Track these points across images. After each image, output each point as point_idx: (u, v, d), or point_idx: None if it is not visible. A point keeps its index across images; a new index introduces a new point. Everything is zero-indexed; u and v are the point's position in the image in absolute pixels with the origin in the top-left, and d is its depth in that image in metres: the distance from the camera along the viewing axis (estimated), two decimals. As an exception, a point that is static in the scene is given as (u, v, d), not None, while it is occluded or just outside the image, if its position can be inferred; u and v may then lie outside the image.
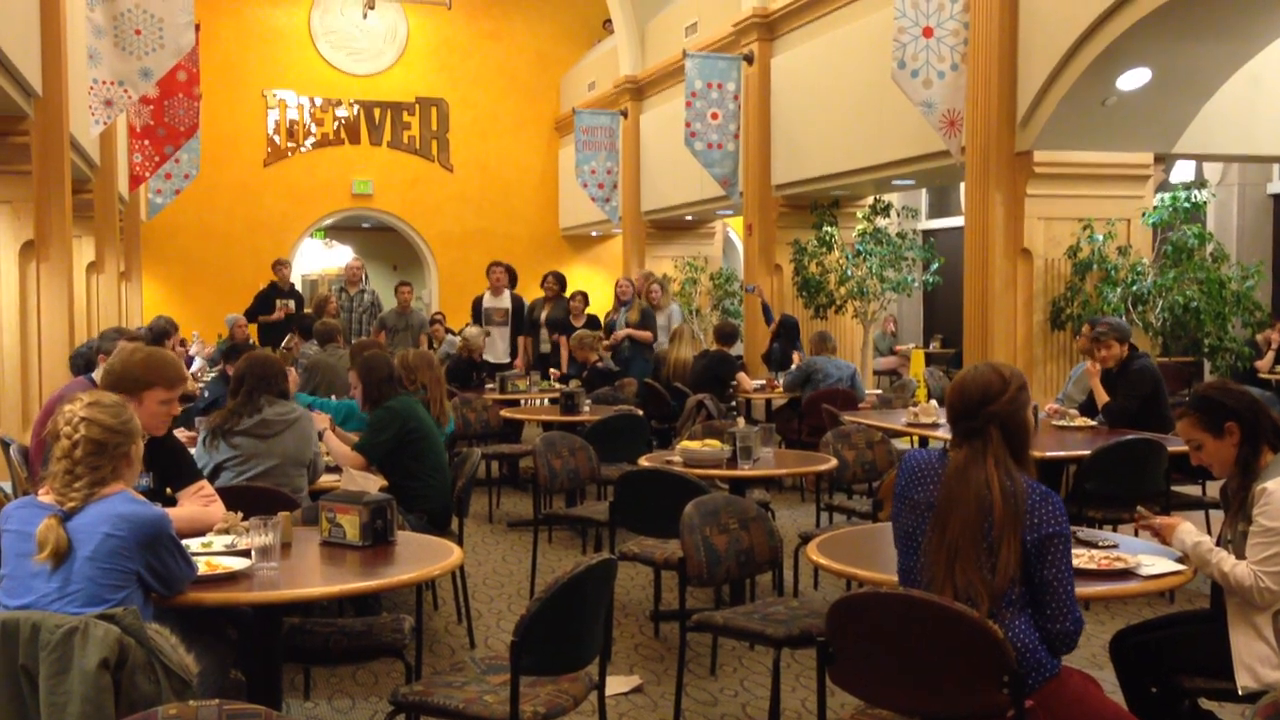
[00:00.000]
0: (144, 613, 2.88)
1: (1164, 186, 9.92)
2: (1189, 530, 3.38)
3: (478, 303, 11.39)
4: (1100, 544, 3.60)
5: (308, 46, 18.32)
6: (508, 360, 11.09)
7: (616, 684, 4.61)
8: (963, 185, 9.77)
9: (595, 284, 17.13)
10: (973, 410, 2.87)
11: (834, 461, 5.90)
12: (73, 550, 2.83)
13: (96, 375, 5.28)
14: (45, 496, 2.98)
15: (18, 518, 2.96)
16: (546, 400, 9.70)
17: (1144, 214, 8.75)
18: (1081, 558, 3.39)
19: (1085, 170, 8.58)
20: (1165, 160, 9.40)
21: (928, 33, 8.67)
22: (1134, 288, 8.42)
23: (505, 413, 8.75)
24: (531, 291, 12.45)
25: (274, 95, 18.12)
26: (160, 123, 10.63)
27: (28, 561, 2.87)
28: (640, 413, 8.08)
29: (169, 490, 3.91)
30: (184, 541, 3.19)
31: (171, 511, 3.51)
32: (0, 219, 7.88)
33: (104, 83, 8.12)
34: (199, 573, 3.18)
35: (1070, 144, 8.38)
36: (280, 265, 12.88)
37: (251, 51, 17.91)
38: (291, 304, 12.56)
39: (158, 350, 4.04)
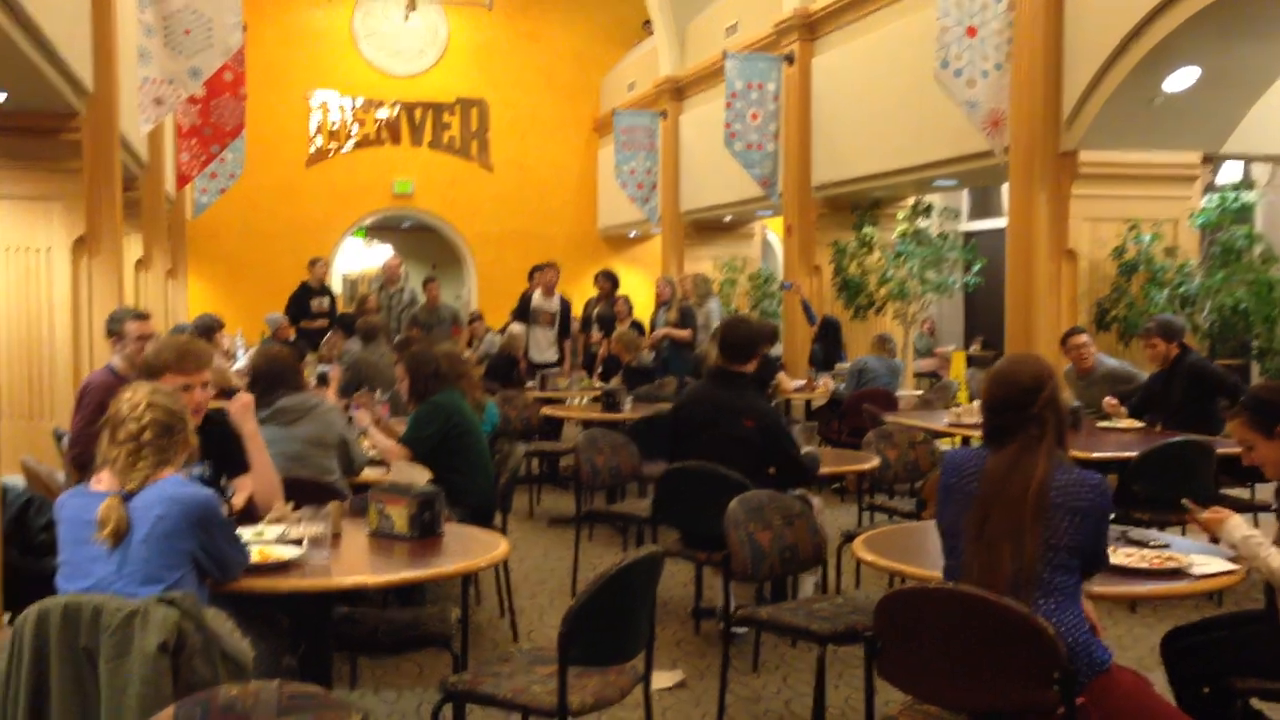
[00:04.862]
0: (200, 598, 2.93)
1: (1211, 187, 9.81)
2: (1238, 524, 3.35)
3: (525, 300, 11.35)
4: (1151, 543, 3.57)
5: (349, 48, 18.47)
6: (554, 360, 11.12)
7: (660, 679, 4.62)
8: (1005, 186, 9.72)
9: (633, 284, 17.15)
10: (1029, 398, 2.86)
11: (876, 460, 5.89)
12: (130, 531, 2.89)
13: (115, 362, 5.35)
14: (98, 485, 3.03)
15: (72, 506, 3.03)
16: (587, 399, 9.73)
17: (1192, 215, 8.66)
18: (1133, 557, 3.38)
19: (1132, 170, 8.49)
20: (1213, 161, 9.30)
21: (971, 32, 8.62)
22: (1181, 289, 8.33)
23: (546, 410, 8.79)
24: (567, 289, 12.47)
25: (316, 96, 18.27)
26: (207, 122, 10.74)
27: (85, 547, 2.93)
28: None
29: (224, 478, 3.96)
30: (236, 530, 3.24)
31: (258, 463, 3.66)
32: (53, 215, 8.00)
33: (154, 81, 8.22)
34: (252, 561, 3.23)
35: (1116, 144, 8.29)
36: (315, 263, 12.89)
37: (295, 53, 18.07)
38: (326, 301, 12.62)
39: (181, 339, 4.13)
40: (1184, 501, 3.54)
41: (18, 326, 7.95)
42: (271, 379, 4.80)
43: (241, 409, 3.94)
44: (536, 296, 11.25)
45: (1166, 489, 5.49)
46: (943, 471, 3.02)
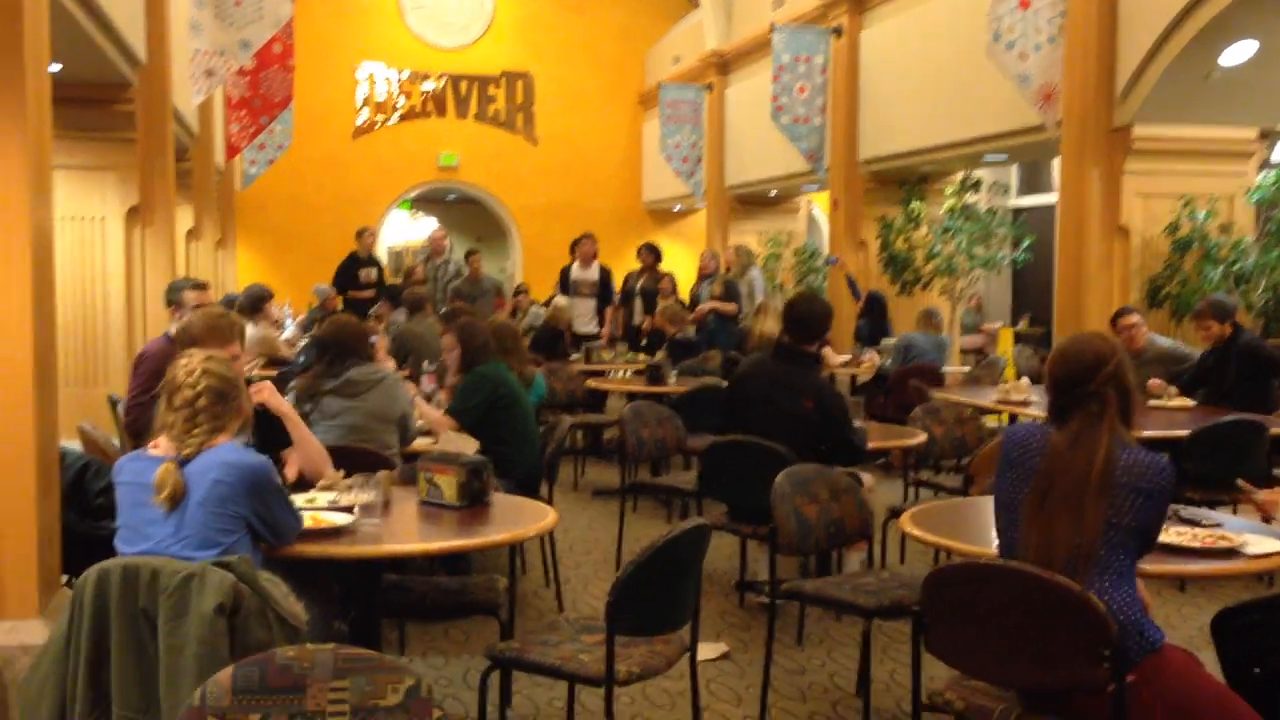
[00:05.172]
0: (255, 562, 2.98)
1: (1267, 164, 9.64)
2: None
3: (565, 273, 11.44)
4: (1203, 522, 3.54)
5: (396, 20, 18.51)
6: (595, 330, 11.16)
7: (704, 651, 4.64)
8: (1056, 161, 9.60)
9: (677, 258, 17.12)
10: (1089, 375, 2.84)
11: (923, 436, 5.86)
12: (187, 495, 2.94)
13: (173, 331, 5.44)
14: (155, 450, 3.08)
15: (130, 470, 3.08)
16: (631, 372, 9.75)
17: (1248, 191, 8.52)
18: (1185, 535, 3.34)
19: (1186, 146, 8.35)
20: (1270, 136, 9.13)
21: (1024, 4, 8.49)
22: (1236, 267, 8.21)
23: (591, 383, 8.82)
24: (611, 262, 12.47)
25: (363, 68, 18.34)
26: (256, 94, 10.82)
27: (143, 510, 2.98)
28: (725, 384, 8.08)
29: (271, 450, 4.01)
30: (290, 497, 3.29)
31: (306, 435, 3.68)
32: (107, 184, 8.13)
33: (205, 53, 8.30)
34: (305, 527, 3.28)
35: (1171, 118, 8.16)
36: (364, 233, 12.96)
37: (342, 25, 18.14)
38: (374, 272, 12.70)
39: (212, 312, 4.24)
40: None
41: (73, 295, 8.09)
42: (341, 348, 4.85)
43: (268, 395, 3.94)
44: (575, 268, 11.30)
45: (1219, 468, 5.43)
46: (1004, 445, 3.00)
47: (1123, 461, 2.78)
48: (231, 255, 15.21)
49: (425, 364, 6.91)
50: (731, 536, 5.51)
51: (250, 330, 7.92)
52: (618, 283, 11.98)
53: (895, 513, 4.94)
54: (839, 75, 12.31)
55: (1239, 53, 7.71)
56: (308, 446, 3.96)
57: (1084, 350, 2.91)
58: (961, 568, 3.01)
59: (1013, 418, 6.83)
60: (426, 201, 21.42)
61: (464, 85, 18.75)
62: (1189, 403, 6.52)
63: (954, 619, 2.94)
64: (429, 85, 18.62)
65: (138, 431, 5.08)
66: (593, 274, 11.26)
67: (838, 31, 12.34)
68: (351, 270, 12.52)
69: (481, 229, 21.58)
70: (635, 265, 12.36)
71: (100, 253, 8.14)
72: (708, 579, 5.73)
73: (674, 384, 8.09)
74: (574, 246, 11.48)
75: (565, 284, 11.34)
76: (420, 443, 5.15)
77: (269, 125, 11.47)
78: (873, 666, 4.41)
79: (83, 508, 4.10)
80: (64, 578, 4.02)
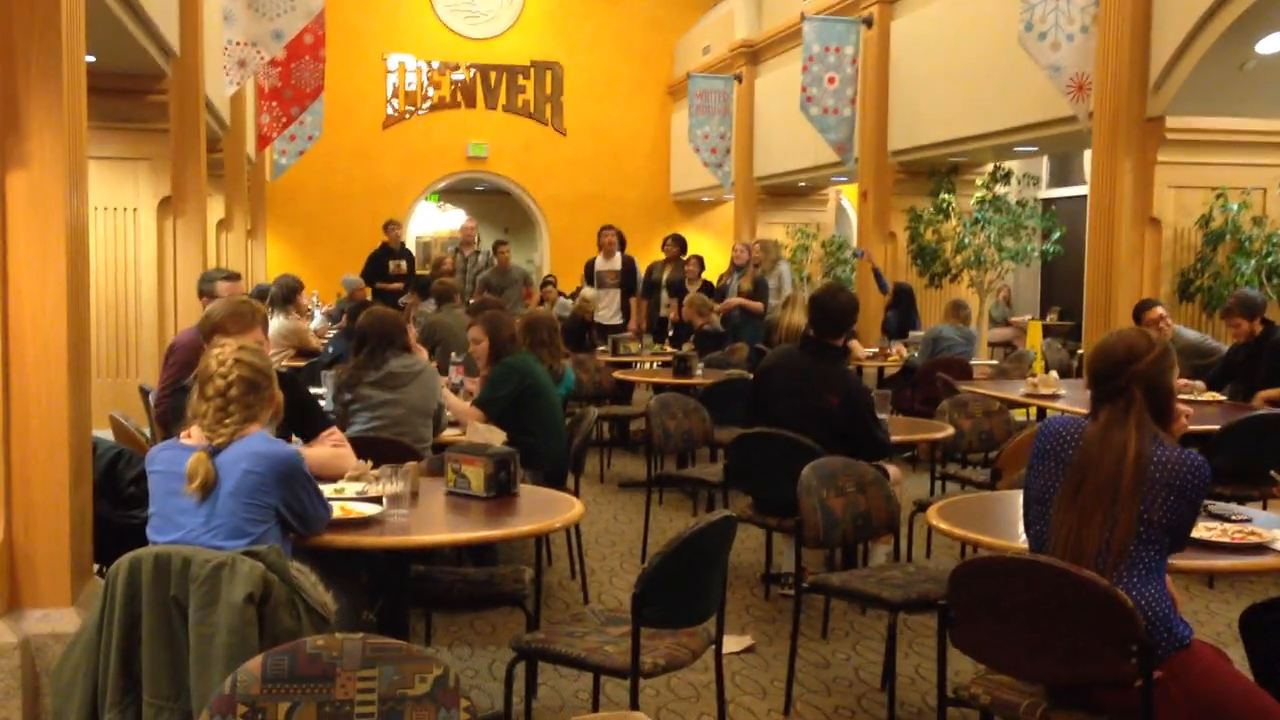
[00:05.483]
0: (284, 552, 3.00)
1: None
2: None
3: (590, 266, 11.51)
4: (1233, 517, 3.52)
5: (426, 10, 18.55)
6: (620, 322, 11.18)
7: (729, 643, 4.65)
8: (1087, 153, 9.52)
9: (705, 249, 17.09)
10: (1117, 370, 2.83)
11: (950, 430, 5.84)
12: (218, 484, 2.97)
13: None
14: (187, 439, 3.11)
15: (163, 459, 3.11)
16: (657, 363, 9.76)
17: (1282, 183, 8.44)
18: (1214, 530, 3.33)
19: (1220, 137, 8.28)
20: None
21: (1057, -6, 8.43)
22: (1269, 259, 8.12)
23: (618, 374, 8.83)
24: (639, 254, 12.48)
25: (393, 59, 18.39)
26: (287, 84, 10.88)
27: (175, 499, 3.01)
28: (752, 376, 8.07)
29: (292, 438, 4.04)
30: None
31: (308, 451, 3.67)
32: (140, 174, 8.21)
33: (238, 44, 8.34)
34: (334, 517, 3.31)
35: (1205, 109, 8.08)
36: (392, 226, 13.10)
37: (372, 15, 18.19)
38: (404, 263, 12.79)
39: (234, 300, 4.31)
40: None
41: (106, 285, 8.18)
42: (381, 339, 4.90)
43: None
44: (599, 260, 11.38)
45: (1249, 463, 5.38)
46: (1038, 437, 2.99)
47: (1157, 457, 2.76)
48: (262, 246, 15.31)
49: (453, 355, 6.94)
50: (757, 529, 5.51)
51: (282, 321, 7.99)
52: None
53: (922, 506, 4.94)
54: (869, 66, 12.26)
55: (1275, 42, 7.62)
56: (322, 467, 3.76)
57: (1116, 345, 2.89)
58: (988, 561, 3.00)
59: (1040, 412, 6.79)
60: (455, 192, 21.47)
61: (493, 76, 18.77)
62: (1218, 397, 6.47)
63: (980, 613, 2.94)
64: (458, 76, 18.65)
65: (167, 422, 5.12)
66: (615, 265, 11.32)
67: (868, 22, 12.27)
68: (382, 261, 12.61)
69: (509, 220, 21.62)
70: (662, 257, 12.37)
71: (132, 243, 8.23)
72: (733, 571, 5.75)
73: (701, 376, 8.08)
74: (598, 239, 11.57)
75: (590, 276, 11.41)
76: (448, 433, 5.18)
77: (299, 116, 11.54)
78: (898, 660, 4.40)
79: (115, 497, 4.14)
80: (96, 566, 4.07)
